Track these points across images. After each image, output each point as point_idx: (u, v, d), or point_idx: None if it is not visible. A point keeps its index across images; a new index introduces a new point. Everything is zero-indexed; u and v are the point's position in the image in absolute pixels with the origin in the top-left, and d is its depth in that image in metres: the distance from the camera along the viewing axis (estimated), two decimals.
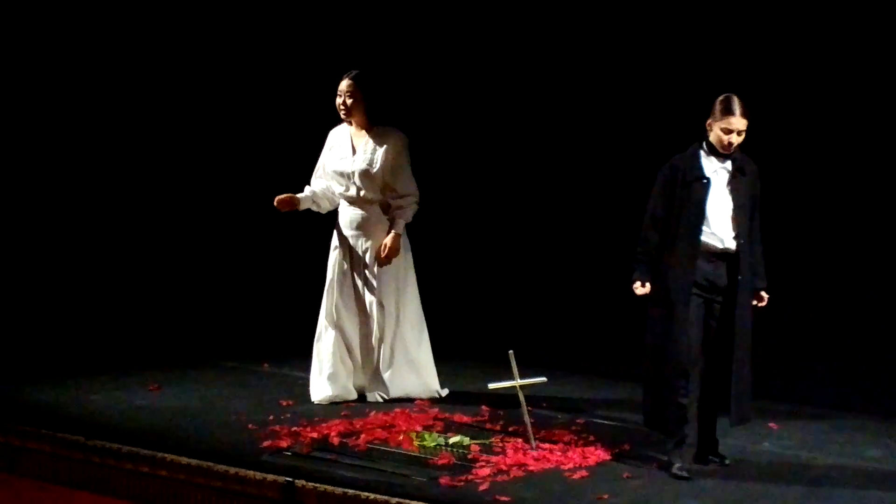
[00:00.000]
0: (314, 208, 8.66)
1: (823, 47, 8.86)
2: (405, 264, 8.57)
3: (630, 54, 9.67)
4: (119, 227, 10.97)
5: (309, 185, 8.66)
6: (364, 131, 8.54)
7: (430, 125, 9.90)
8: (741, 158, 7.12)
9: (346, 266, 8.52)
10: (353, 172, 8.47)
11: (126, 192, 11.02)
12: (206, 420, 8.12)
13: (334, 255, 8.57)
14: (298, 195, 8.58)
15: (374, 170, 8.42)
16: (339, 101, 8.51)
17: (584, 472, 7.12)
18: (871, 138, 8.80)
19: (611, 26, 9.77)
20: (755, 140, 7.24)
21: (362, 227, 8.49)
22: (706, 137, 7.11)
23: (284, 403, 8.48)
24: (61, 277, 10.77)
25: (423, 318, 8.64)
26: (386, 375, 8.52)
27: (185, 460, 7.34)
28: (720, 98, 7.07)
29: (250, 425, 7.94)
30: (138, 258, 10.96)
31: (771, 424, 8.09)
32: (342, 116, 8.55)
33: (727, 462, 7.28)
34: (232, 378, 9.24)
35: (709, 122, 7.08)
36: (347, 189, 8.52)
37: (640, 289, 7.19)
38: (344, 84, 8.50)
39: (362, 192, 8.47)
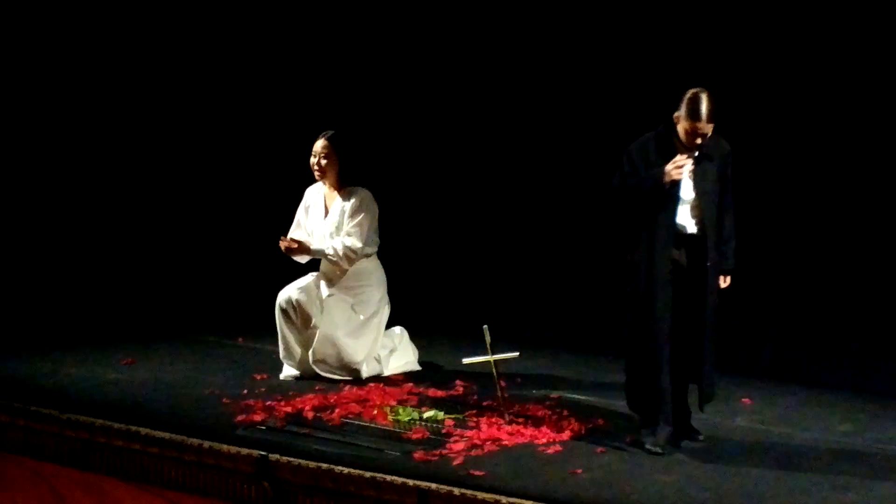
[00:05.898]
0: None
1: (800, 37, 8.86)
2: (368, 305, 8.53)
3: (590, 41, 9.64)
4: (94, 202, 10.92)
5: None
6: (336, 192, 8.57)
7: (405, 128, 9.92)
8: (710, 141, 7.01)
9: (315, 289, 8.55)
10: (325, 235, 8.52)
11: (102, 168, 10.97)
12: (180, 394, 8.12)
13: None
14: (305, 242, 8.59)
15: (343, 232, 8.48)
16: (313, 160, 8.52)
17: (557, 447, 7.14)
18: (840, 121, 8.81)
19: (573, 20, 9.76)
20: (731, 125, 7.25)
21: (335, 282, 8.53)
22: (675, 125, 7.01)
23: (259, 378, 8.48)
24: (35, 252, 10.72)
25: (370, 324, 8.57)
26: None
27: (158, 434, 7.34)
28: (689, 96, 6.93)
29: (224, 399, 7.95)
30: (113, 232, 10.91)
31: (744, 400, 8.12)
32: (316, 176, 8.57)
33: (700, 437, 7.29)
34: (206, 352, 9.24)
35: (676, 115, 6.98)
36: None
37: (672, 166, 6.95)
38: (319, 144, 8.51)
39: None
